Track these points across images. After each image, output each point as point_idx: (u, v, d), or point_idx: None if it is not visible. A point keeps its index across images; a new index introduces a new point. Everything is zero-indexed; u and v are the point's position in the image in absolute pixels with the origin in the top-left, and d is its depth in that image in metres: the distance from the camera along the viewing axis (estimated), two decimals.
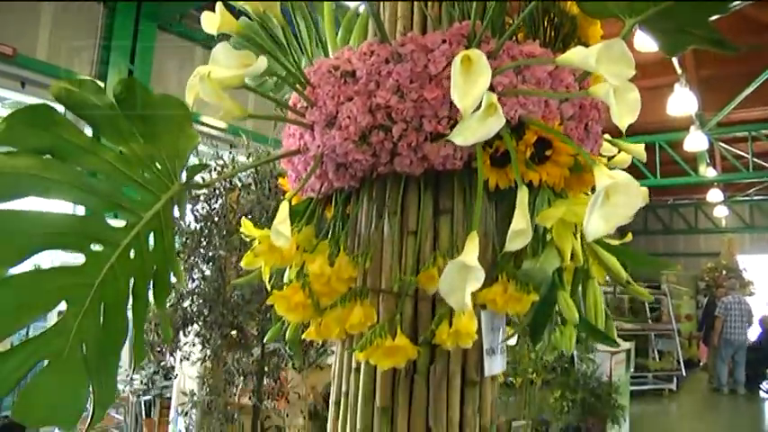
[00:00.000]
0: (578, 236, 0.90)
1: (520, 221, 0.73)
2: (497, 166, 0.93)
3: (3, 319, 0.78)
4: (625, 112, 0.78)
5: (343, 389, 1.09)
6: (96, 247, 0.91)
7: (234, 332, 2.25)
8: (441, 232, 1.01)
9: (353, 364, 1.07)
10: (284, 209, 0.86)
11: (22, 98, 5.81)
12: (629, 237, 1.09)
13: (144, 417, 5.54)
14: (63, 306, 0.87)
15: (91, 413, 0.89)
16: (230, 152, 2.35)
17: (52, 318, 1.47)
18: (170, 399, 4.52)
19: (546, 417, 5.43)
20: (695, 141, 9.09)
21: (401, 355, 0.87)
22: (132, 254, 0.93)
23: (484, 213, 0.96)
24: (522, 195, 0.77)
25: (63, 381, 0.83)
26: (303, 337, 1.09)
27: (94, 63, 6.23)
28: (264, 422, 2.71)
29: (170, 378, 2.37)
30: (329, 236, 1.05)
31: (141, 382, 4.79)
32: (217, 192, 2.16)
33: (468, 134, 0.76)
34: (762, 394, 9.66)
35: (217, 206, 2.12)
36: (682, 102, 7.68)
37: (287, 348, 2.25)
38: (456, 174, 0.99)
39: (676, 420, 8.23)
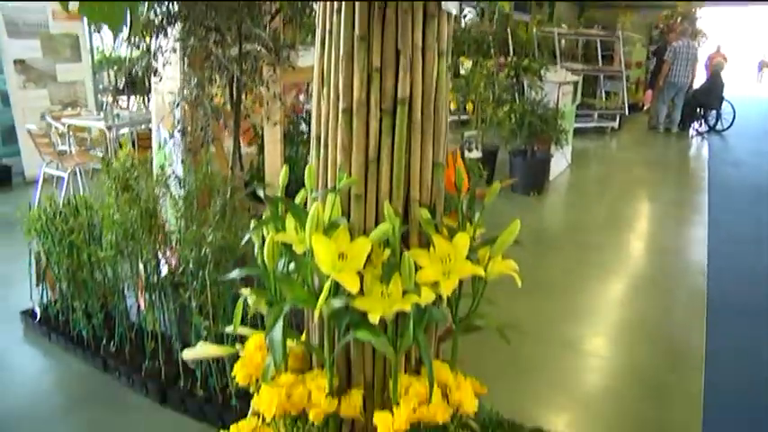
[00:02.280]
0: None
1: None
2: None
3: None
4: None
5: (327, 27, 1.33)
6: None
7: (213, 33, 2.41)
8: None
9: (335, 6, 1.30)
10: None
11: None
12: None
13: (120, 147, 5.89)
14: None
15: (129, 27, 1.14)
16: None
17: None
18: (148, 130, 4.80)
19: (496, 142, 5.89)
20: None
21: None
22: None
23: None
24: None
25: None
26: None
27: None
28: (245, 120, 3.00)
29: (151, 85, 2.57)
30: None
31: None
32: None
33: None
34: (691, 132, 10.49)
35: None
36: None
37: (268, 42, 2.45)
38: None
39: (615, 152, 9.04)
